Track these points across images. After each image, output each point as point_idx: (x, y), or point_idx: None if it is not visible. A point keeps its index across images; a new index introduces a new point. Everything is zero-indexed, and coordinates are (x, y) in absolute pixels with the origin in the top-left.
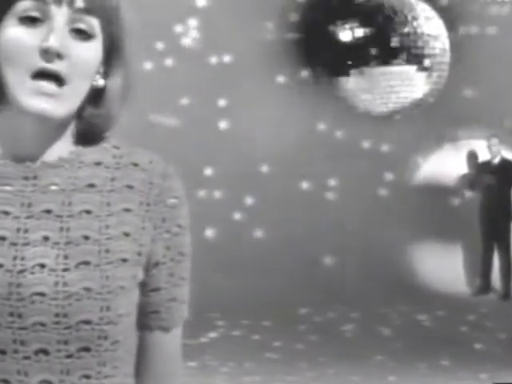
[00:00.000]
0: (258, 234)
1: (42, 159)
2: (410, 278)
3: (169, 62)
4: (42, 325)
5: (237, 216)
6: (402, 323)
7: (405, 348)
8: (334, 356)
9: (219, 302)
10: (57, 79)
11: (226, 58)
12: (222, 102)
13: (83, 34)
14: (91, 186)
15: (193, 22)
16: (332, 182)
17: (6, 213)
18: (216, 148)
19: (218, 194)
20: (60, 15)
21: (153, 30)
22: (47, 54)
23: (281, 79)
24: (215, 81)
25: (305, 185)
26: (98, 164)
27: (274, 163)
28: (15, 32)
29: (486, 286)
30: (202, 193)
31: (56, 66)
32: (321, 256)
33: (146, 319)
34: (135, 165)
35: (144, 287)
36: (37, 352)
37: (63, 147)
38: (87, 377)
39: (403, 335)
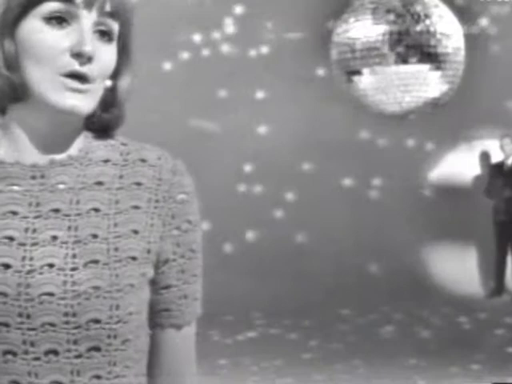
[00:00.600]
0: (299, 234)
1: (50, 158)
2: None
3: (205, 52)
4: (52, 325)
5: (278, 214)
6: (441, 325)
7: (440, 350)
8: (368, 357)
9: (260, 303)
10: (83, 78)
11: (264, 50)
12: (259, 95)
13: (106, 37)
14: (99, 183)
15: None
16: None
17: (14, 213)
18: (256, 144)
19: (257, 190)
20: (88, 18)
21: (190, 22)
22: (80, 57)
23: (320, 72)
24: (252, 74)
25: (347, 182)
26: (106, 161)
27: (315, 160)
28: (42, 32)
29: (500, 288)
30: (241, 188)
31: (86, 69)
32: (364, 259)
33: (157, 317)
34: (143, 161)
35: (154, 285)
36: (47, 353)
37: (72, 145)
38: (98, 377)
39: (441, 337)
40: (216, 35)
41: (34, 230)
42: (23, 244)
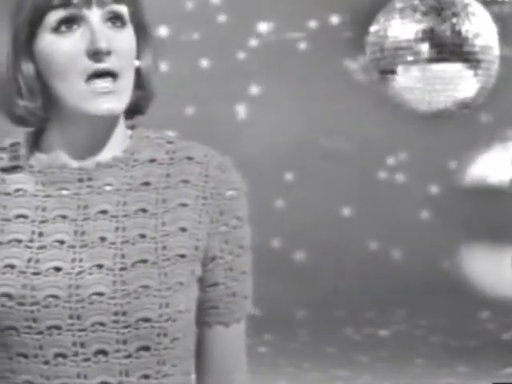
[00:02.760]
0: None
1: (96, 160)
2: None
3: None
4: (101, 324)
5: (345, 212)
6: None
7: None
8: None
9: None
10: (110, 75)
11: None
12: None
13: (118, 22)
14: (146, 184)
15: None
16: None
17: (64, 216)
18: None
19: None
20: (93, 13)
21: None
22: (98, 55)
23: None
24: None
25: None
26: (152, 161)
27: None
28: (55, 43)
29: None
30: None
31: (107, 64)
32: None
33: (205, 315)
34: (190, 159)
35: (202, 283)
36: (96, 353)
37: (116, 146)
38: (146, 377)
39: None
40: None
41: (83, 233)
42: (73, 246)
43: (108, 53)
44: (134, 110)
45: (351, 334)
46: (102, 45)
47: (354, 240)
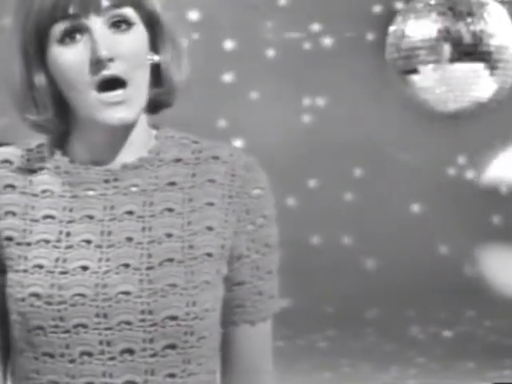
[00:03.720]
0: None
1: (122, 161)
2: None
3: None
4: (128, 323)
5: (415, 209)
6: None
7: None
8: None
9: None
10: (119, 83)
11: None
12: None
13: (123, 26)
14: (172, 184)
15: None
16: None
17: (90, 217)
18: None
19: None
20: (93, 21)
21: None
22: (100, 63)
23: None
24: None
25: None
26: (178, 161)
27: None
28: (62, 54)
29: None
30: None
31: (112, 70)
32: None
33: (231, 314)
34: (215, 158)
35: (228, 281)
36: (122, 352)
37: (141, 146)
38: (172, 375)
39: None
40: None
41: (110, 233)
42: (100, 246)
43: (111, 59)
44: (156, 106)
45: (416, 334)
46: (103, 53)
47: (424, 240)
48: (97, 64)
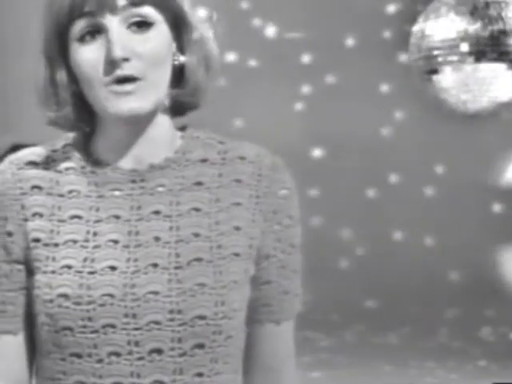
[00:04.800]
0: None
1: (148, 162)
2: None
3: None
4: (156, 323)
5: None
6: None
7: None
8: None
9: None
10: (132, 80)
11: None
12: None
13: (143, 24)
14: (199, 184)
15: None
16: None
17: (117, 217)
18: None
19: None
20: (111, 20)
21: None
22: (115, 63)
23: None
24: None
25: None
26: (204, 161)
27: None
28: (81, 52)
29: None
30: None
31: (126, 70)
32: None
33: (257, 313)
34: (242, 158)
35: (254, 281)
36: (150, 352)
37: (167, 147)
38: (200, 375)
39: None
40: None
41: (137, 233)
42: (127, 246)
43: (126, 59)
44: (181, 108)
45: (486, 336)
46: (117, 53)
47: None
48: (111, 64)
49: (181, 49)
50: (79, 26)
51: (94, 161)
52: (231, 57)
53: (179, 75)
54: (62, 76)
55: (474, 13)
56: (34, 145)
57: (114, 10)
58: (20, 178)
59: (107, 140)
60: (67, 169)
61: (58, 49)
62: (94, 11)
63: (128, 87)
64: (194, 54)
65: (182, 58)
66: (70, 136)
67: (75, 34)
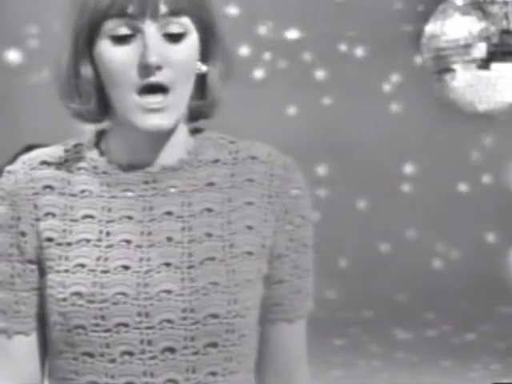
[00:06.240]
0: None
1: (161, 163)
2: None
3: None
4: (169, 322)
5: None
6: None
7: None
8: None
9: None
10: (161, 89)
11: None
12: None
13: (177, 34)
14: (211, 184)
15: None
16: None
17: (129, 217)
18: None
19: None
20: (148, 25)
21: None
22: (148, 69)
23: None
24: None
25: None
26: (216, 161)
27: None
28: (111, 51)
29: None
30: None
31: (158, 78)
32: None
33: (269, 312)
34: (254, 158)
35: (267, 280)
36: (163, 351)
37: (180, 148)
38: (213, 373)
39: None
40: None
41: (150, 233)
42: (140, 246)
43: (159, 67)
44: (195, 116)
45: None
46: (152, 59)
47: None
48: (144, 69)
49: (203, 58)
50: (115, 24)
51: (106, 161)
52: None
53: (199, 84)
54: (87, 70)
55: (484, 13)
56: (47, 145)
57: (154, 16)
58: (32, 178)
59: (122, 140)
60: (79, 169)
61: (86, 42)
62: (134, 14)
63: (157, 104)
64: (218, 65)
65: (204, 68)
66: (83, 136)
67: (109, 31)
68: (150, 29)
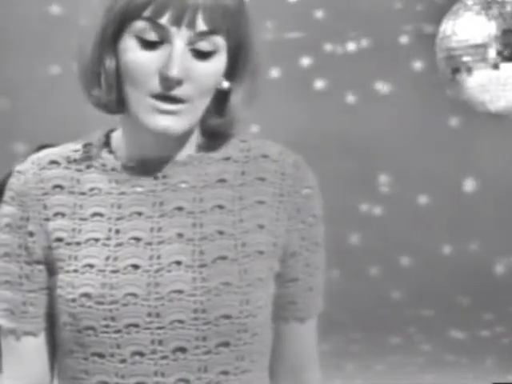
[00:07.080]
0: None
1: (171, 159)
2: None
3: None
4: (180, 322)
5: None
6: None
7: None
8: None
9: None
10: (175, 100)
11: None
12: None
13: (206, 52)
14: (222, 181)
15: None
16: None
17: (139, 213)
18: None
19: None
20: (180, 37)
21: None
22: (168, 81)
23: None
24: None
25: None
26: (227, 159)
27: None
28: (136, 51)
29: None
30: None
31: (176, 92)
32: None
33: (282, 310)
34: (265, 156)
35: (280, 278)
36: (174, 350)
37: (190, 144)
38: (225, 373)
39: None
40: None
41: (160, 229)
42: (150, 243)
43: (179, 82)
44: (213, 133)
45: None
46: (174, 73)
47: None
48: (165, 80)
49: (229, 74)
50: (145, 26)
51: (115, 158)
52: None
53: (221, 101)
54: (111, 63)
55: (497, 13)
56: (54, 145)
57: (189, 31)
58: (41, 178)
59: (131, 136)
60: (88, 167)
61: (113, 35)
62: (168, 24)
63: (175, 107)
64: (244, 84)
65: (226, 85)
66: (92, 135)
67: (138, 31)
68: (180, 42)
